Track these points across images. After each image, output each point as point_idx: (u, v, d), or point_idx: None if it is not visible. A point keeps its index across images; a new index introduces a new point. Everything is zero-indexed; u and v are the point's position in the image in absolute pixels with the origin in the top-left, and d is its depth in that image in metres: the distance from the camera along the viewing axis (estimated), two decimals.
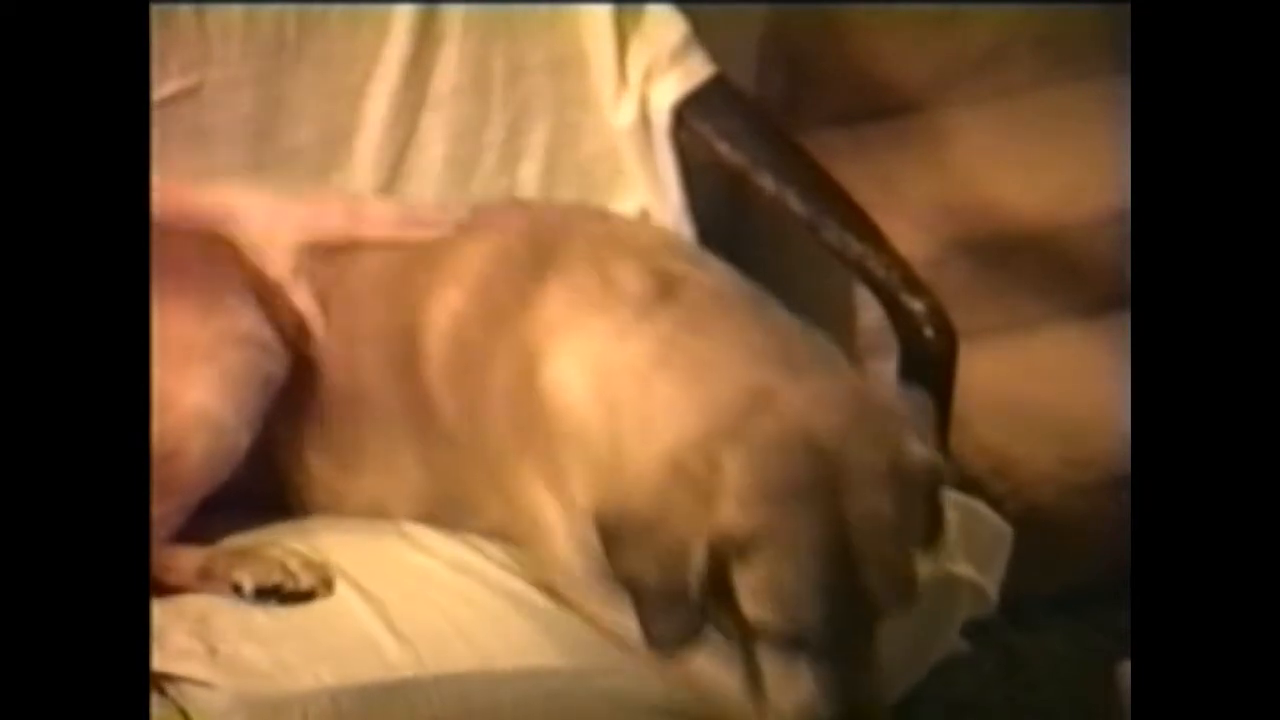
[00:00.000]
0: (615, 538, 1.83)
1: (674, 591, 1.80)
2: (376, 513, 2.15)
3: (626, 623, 1.92)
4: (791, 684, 1.80)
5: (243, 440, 2.08)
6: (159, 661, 1.85)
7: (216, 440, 2.07)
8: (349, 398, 2.14)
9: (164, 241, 2.11)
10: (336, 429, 2.15)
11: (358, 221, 2.18)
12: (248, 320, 2.12)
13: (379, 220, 2.19)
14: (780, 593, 1.78)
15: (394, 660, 1.90)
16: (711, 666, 1.90)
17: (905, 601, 1.81)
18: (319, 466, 2.17)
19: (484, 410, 2.01)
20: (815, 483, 1.79)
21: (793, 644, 1.80)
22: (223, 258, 2.15)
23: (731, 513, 1.78)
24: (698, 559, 1.77)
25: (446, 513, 2.11)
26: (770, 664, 1.81)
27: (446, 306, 2.07)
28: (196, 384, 2.06)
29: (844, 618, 1.78)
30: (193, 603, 2.00)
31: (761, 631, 1.80)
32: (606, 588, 1.93)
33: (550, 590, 1.99)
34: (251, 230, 2.15)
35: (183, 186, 2.11)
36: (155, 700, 1.85)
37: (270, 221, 2.16)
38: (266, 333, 2.12)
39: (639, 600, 1.83)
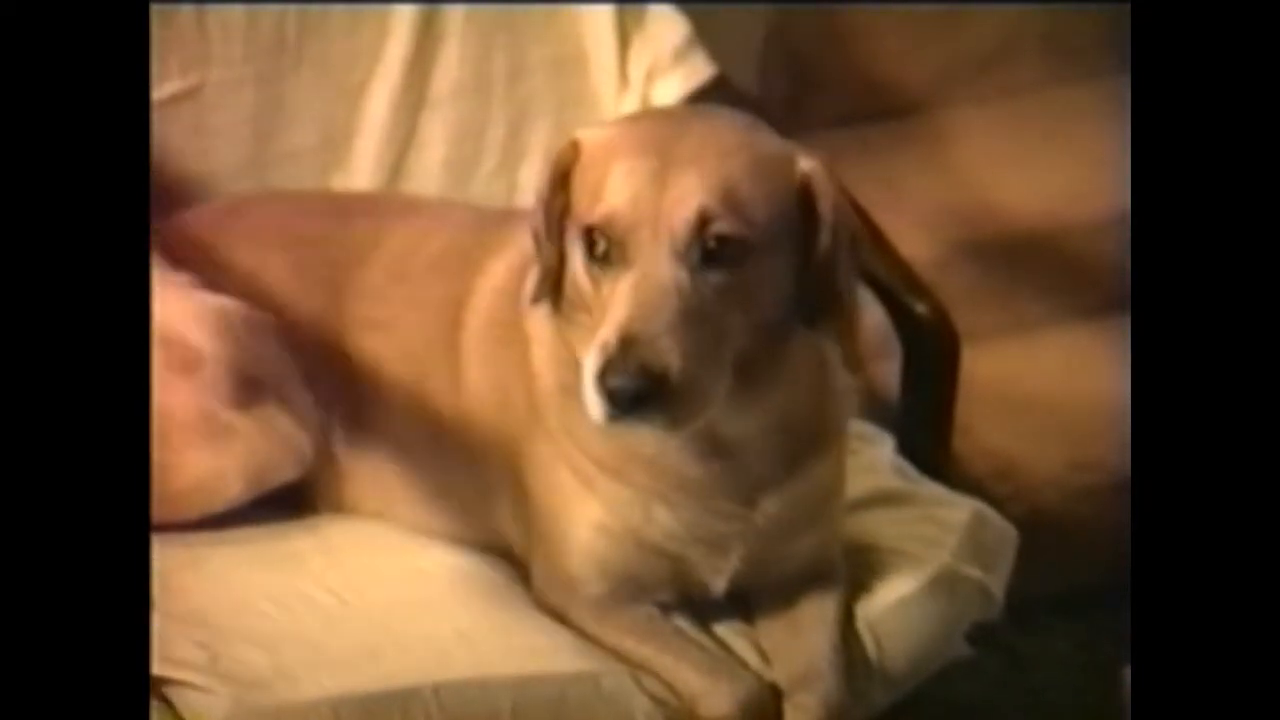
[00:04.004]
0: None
1: (539, 231, 1.90)
2: (377, 492, 2.14)
3: (632, 646, 1.95)
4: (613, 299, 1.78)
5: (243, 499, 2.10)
6: (159, 666, 1.84)
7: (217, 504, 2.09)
8: (386, 370, 2.13)
9: None
10: (365, 406, 2.14)
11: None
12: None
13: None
14: (601, 183, 1.81)
15: (395, 669, 1.89)
16: (672, 657, 1.94)
17: (726, 234, 1.79)
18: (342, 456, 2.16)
19: (506, 386, 2.01)
20: (658, 115, 2.03)
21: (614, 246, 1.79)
22: None
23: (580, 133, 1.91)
24: (546, 179, 1.88)
25: (446, 504, 2.11)
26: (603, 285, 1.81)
27: (490, 279, 2.07)
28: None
29: (649, 207, 1.78)
30: (195, 607, 1.99)
31: (594, 241, 1.81)
32: (618, 608, 1.96)
33: (553, 612, 2.00)
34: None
35: None
36: (155, 705, 1.84)
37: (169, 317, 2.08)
38: (284, 423, 2.12)
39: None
